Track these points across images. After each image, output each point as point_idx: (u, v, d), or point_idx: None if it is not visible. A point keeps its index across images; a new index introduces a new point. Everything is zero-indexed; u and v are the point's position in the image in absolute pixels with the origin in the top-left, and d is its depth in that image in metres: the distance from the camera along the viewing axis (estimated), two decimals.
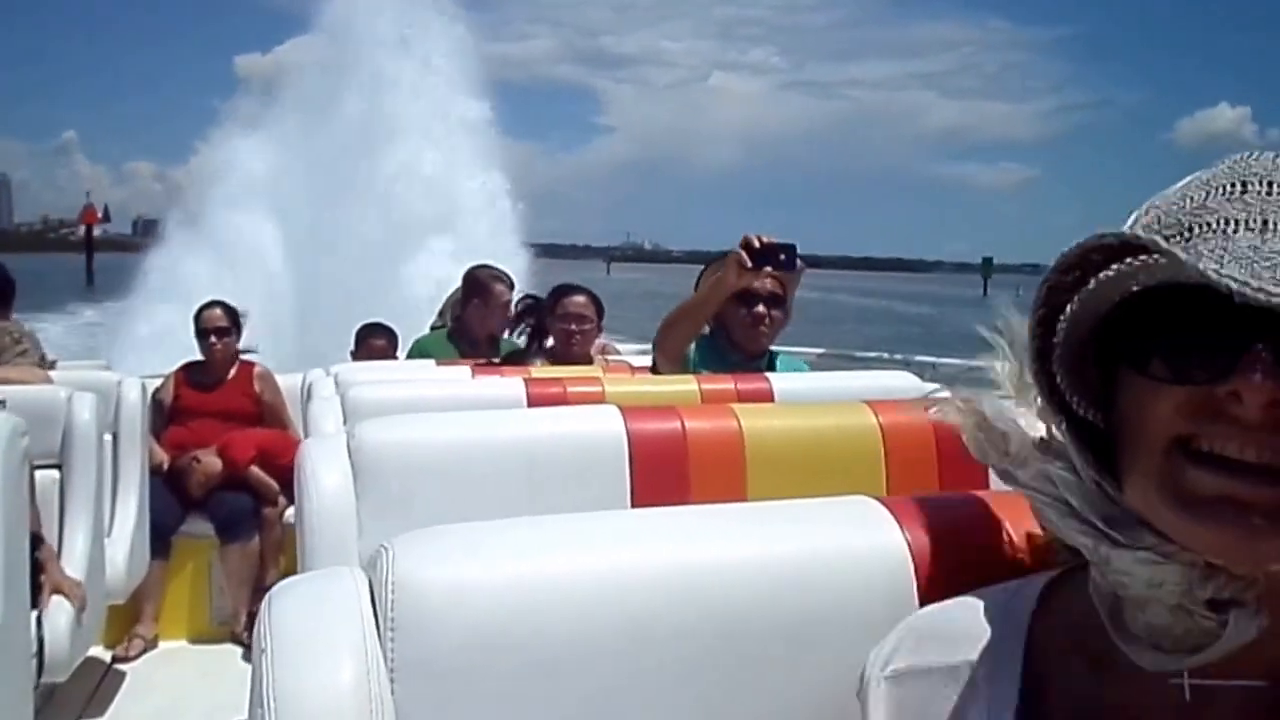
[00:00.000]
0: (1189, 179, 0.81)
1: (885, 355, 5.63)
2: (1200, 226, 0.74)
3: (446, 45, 21.24)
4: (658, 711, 0.93)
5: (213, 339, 5.12)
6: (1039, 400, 0.84)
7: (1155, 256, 0.72)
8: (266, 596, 0.94)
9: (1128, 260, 0.74)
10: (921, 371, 4.21)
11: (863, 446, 1.92)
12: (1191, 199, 0.77)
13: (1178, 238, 0.75)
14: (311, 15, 22.97)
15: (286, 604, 0.92)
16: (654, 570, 0.97)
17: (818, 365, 5.25)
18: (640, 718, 0.93)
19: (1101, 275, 0.75)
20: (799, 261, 3.25)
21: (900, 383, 2.87)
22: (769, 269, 3.12)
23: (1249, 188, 0.75)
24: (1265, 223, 0.72)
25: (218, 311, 5.20)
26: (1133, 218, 0.83)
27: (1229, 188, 0.75)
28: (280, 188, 19.00)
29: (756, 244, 3.09)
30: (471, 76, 21.08)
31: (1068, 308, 0.78)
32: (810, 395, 2.69)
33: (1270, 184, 0.75)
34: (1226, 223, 0.73)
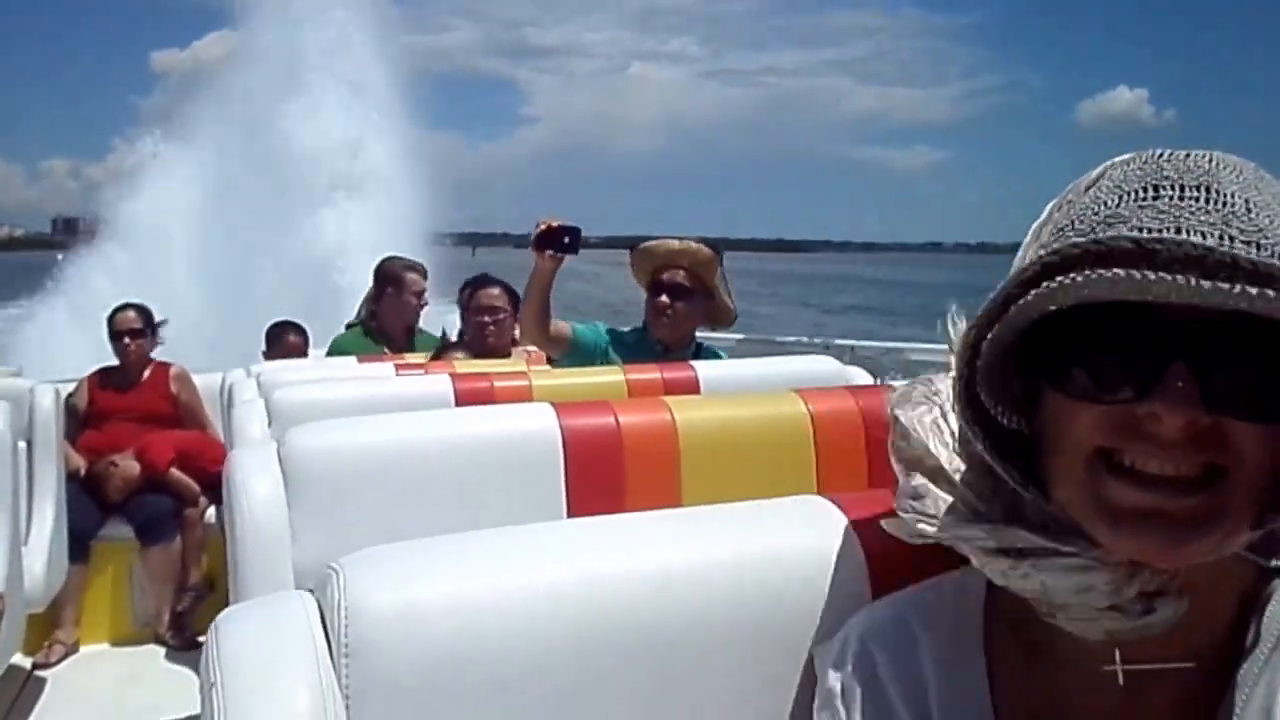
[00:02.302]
0: (1103, 171, 0.81)
1: (805, 339, 5.65)
2: None
3: (363, 42, 20.98)
4: None
5: (126, 340, 5.03)
6: (964, 423, 0.84)
7: (1073, 275, 0.73)
8: (212, 625, 0.92)
9: (1044, 284, 0.74)
10: (841, 355, 4.24)
11: (793, 434, 1.94)
12: (1105, 204, 0.76)
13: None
14: (229, 9, 22.32)
15: (234, 632, 0.90)
16: (608, 580, 0.96)
17: (739, 351, 5.25)
18: None
19: (1021, 301, 0.75)
20: (710, 247, 3.40)
21: (822, 367, 2.90)
22: (551, 252, 3.21)
23: (1161, 192, 0.75)
24: (1179, 231, 0.72)
25: (131, 314, 5.12)
26: (1045, 213, 0.83)
27: (1141, 193, 0.76)
28: (196, 190, 18.69)
29: (540, 229, 3.20)
30: (389, 72, 20.85)
31: (988, 335, 0.78)
32: (735, 383, 2.71)
33: (1182, 188, 0.75)
34: (1141, 232, 0.73)
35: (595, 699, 0.92)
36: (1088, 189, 0.80)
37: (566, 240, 3.21)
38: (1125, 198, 0.76)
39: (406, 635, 0.88)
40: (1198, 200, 0.74)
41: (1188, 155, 0.77)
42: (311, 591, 0.94)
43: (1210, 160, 0.77)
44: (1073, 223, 0.77)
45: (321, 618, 0.90)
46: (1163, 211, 0.74)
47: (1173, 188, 0.75)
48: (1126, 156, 0.80)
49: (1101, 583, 0.78)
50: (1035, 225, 0.84)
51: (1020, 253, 0.84)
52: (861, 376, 2.87)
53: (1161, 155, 0.78)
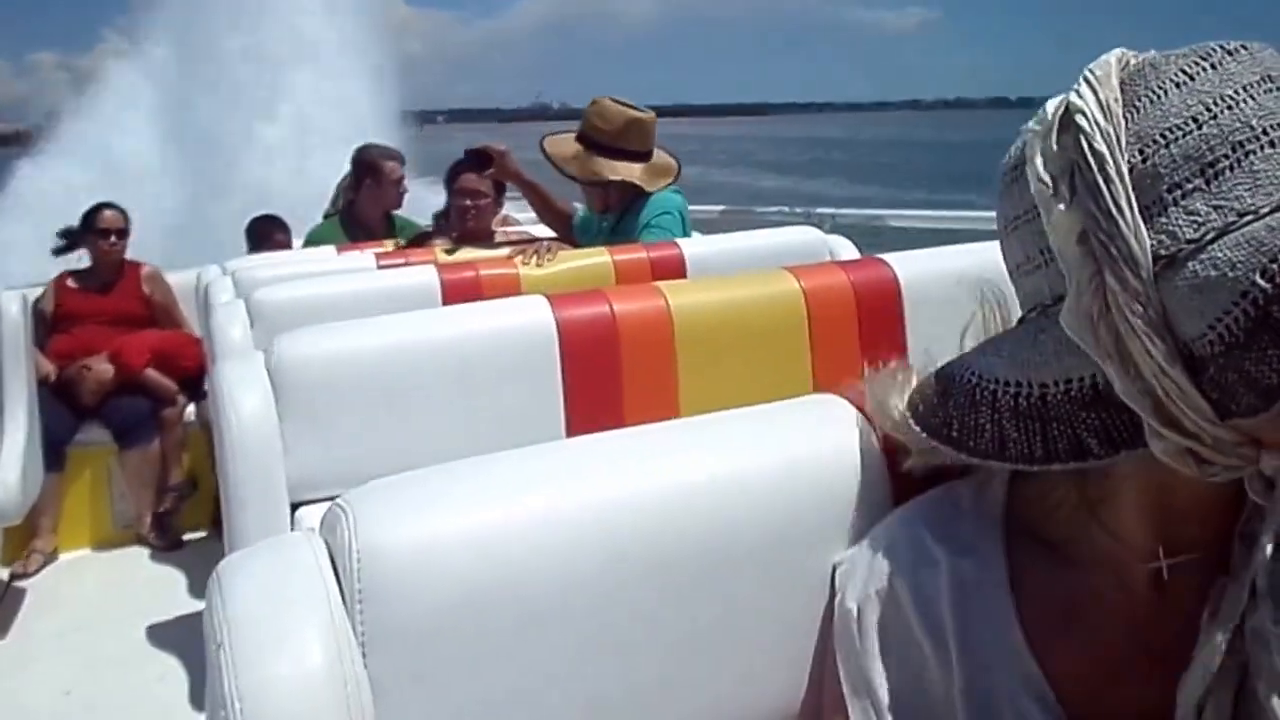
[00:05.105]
0: (1151, 91, 0.72)
1: (785, 209, 5.55)
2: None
3: None
4: (645, 647, 0.89)
5: (113, 239, 4.89)
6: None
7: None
8: (214, 575, 0.85)
9: None
10: (821, 223, 4.19)
11: (787, 313, 1.93)
12: (1238, 106, 0.69)
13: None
14: None
15: (238, 584, 0.83)
16: (629, 499, 0.91)
17: (719, 222, 5.19)
18: (628, 657, 0.88)
19: None
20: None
21: (805, 238, 2.93)
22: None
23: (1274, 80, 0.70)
24: None
25: (115, 213, 4.96)
26: (1103, 165, 0.71)
27: (1263, 82, 0.70)
28: (168, 88, 18.20)
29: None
30: None
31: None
32: (720, 258, 2.76)
33: None
34: None
35: (623, 625, 0.88)
36: (1166, 120, 0.71)
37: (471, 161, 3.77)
38: (1249, 89, 0.70)
39: (424, 574, 0.82)
40: None
41: (1243, 46, 0.73)
42: (322, 534, 0.88)
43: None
44: (1223, 136, 0.69)
45: (332, 562, 0.84)
46: None
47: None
48: (1165, 67, 0.73)
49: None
50: (1120, 173, 0.71)
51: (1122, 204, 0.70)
52: (845, 246, 2.90)
53: (1211, 56, 0.72)
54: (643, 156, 3.42)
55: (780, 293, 1.96)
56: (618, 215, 3.40)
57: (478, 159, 3.70)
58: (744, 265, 2.40)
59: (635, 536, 0.89)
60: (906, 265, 2.03)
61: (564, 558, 0.86)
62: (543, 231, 3.78)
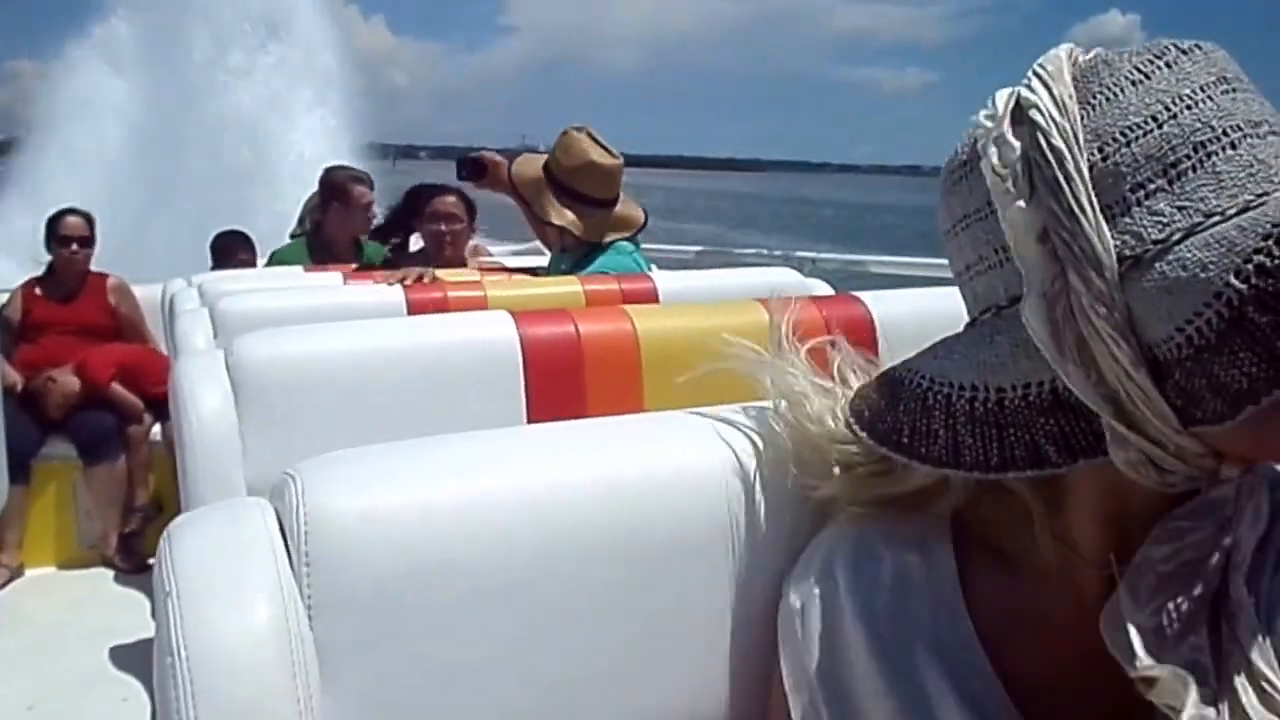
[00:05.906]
0: (1112, 91, 0.72)
1: (764, 251, 5.55)
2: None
3: None
4: (590, 635, 0.89)
5: (74, 247, 4.85)
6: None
7: None
8: (165, 533, 0.87)
9: None
10: (801, 266, 4.20)
11: (758, 345, 1.92)
12: (1197, 105, 0.70)
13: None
14: None
15: (188, 541, 0.85)
16: (577, 485, 0.92)
17: (695, 263, 5.18)
18: (572, 643, 0.89)
19: None
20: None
21: (782, 279, 2.89)
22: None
23: (1230, 83, 0.71)
24: None
25: (78, 219, 4.91)
26: (1081, 160, 0.70)
27: (1218, 82, 0.71)
28: (134, 97, 18.15)
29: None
30: None
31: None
32: (694, 294, 2.70)
33: (1237, 77, 0.72)
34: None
35: (568, 611, 0.88)
36: (1125, 119, 0.71)
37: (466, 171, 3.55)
38: (1206, 89, 0.70)
39: (370, 543, 0.84)
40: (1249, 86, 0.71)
41: (1197, 46, 0.73)
42: (271, 499, 0.89)
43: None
44: (1184, 136, 0.69)
45: (280, 526, 0.85)
46: (1249, 98, 0.71)
47: (1236, 77, 0.71)
48: (1112, 74, 0.72)
49: None
50: (1079, 171, 0.70)
51: (1075, 200, 0.70)
52: (823, 289, 2.87)
53: (1165, 54, 0.72)
54: (598, 203, 3.18)
55: (750, 324, 1.95)
56: (574, 260, 3.23)
57: (473, 168, 3.50)
58: (717, 301, 2.39)
59: (583, 524, 0.90)
60: (882, 304, 2.02)
61: (508, 539, 0.87)
62: (514, 262, 3.75)
